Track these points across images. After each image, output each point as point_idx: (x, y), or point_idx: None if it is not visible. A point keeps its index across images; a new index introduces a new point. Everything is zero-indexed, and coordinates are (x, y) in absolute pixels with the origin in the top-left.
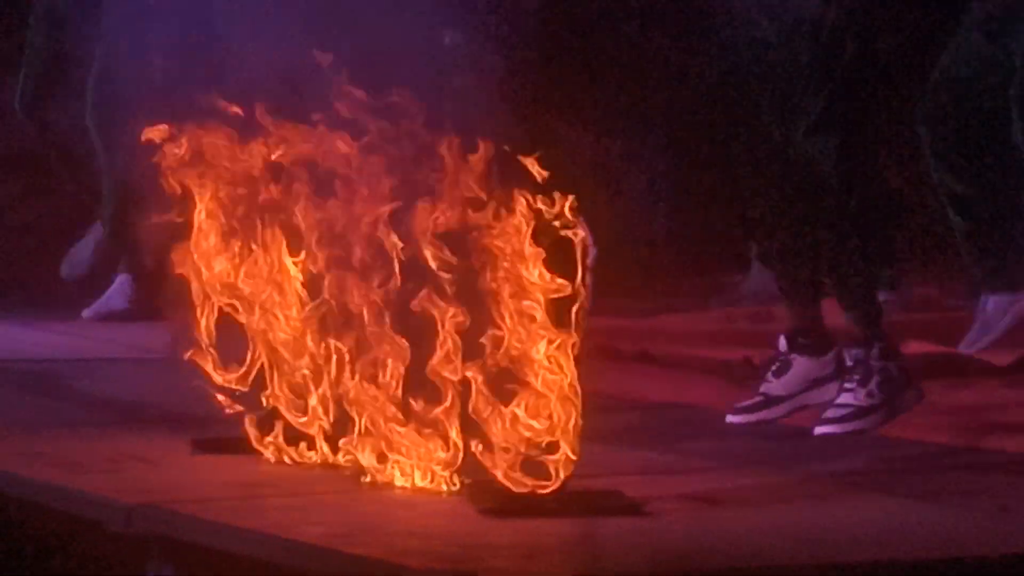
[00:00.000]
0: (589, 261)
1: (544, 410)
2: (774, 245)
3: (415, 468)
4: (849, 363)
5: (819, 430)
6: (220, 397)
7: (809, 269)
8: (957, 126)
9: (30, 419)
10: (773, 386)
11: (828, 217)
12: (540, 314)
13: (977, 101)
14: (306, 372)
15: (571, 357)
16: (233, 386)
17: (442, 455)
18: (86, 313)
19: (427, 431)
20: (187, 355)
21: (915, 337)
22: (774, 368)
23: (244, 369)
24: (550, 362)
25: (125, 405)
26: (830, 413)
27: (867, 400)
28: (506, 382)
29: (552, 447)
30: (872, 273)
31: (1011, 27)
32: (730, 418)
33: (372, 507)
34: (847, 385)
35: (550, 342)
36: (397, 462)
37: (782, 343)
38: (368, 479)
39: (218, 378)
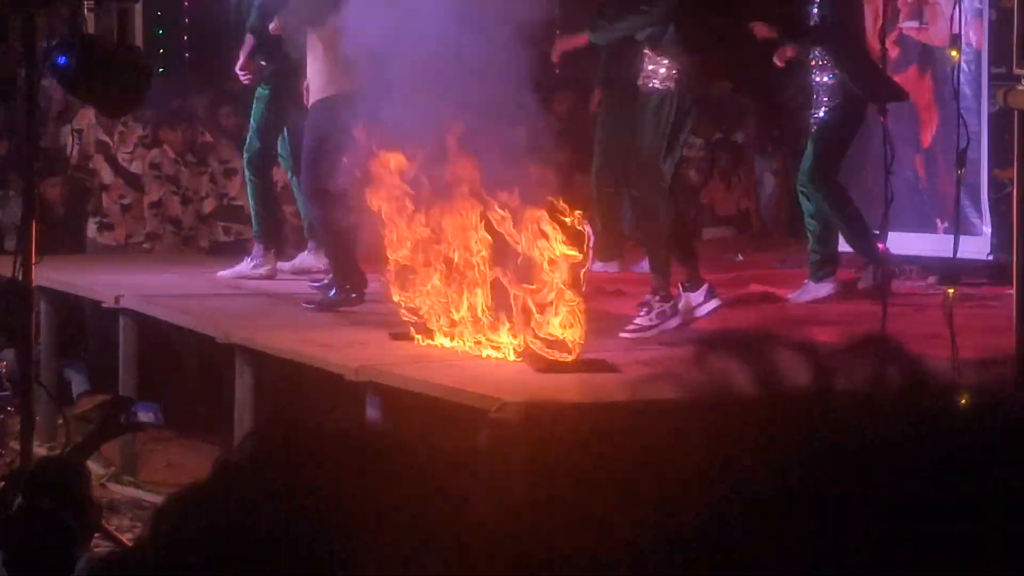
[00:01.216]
0: (590, 243)
1: (567, 317)
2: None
3: (498, 347)
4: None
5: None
6: (404, 311)
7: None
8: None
9: (306, 323)
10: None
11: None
12: (563, 275)
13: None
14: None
15: (580, 289)
16: (405, 304)
17: (512, 340)
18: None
19: (504, 327)
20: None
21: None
22: (673, 304)
23: (409, 297)
24: (568, 292)
25: (357, 315)
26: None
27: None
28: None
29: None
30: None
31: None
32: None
33: (480, 367)
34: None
35: (566, 283)
36: (489, 344)
37: (679, 289)
38: (474, 352)
39: (398, 301)
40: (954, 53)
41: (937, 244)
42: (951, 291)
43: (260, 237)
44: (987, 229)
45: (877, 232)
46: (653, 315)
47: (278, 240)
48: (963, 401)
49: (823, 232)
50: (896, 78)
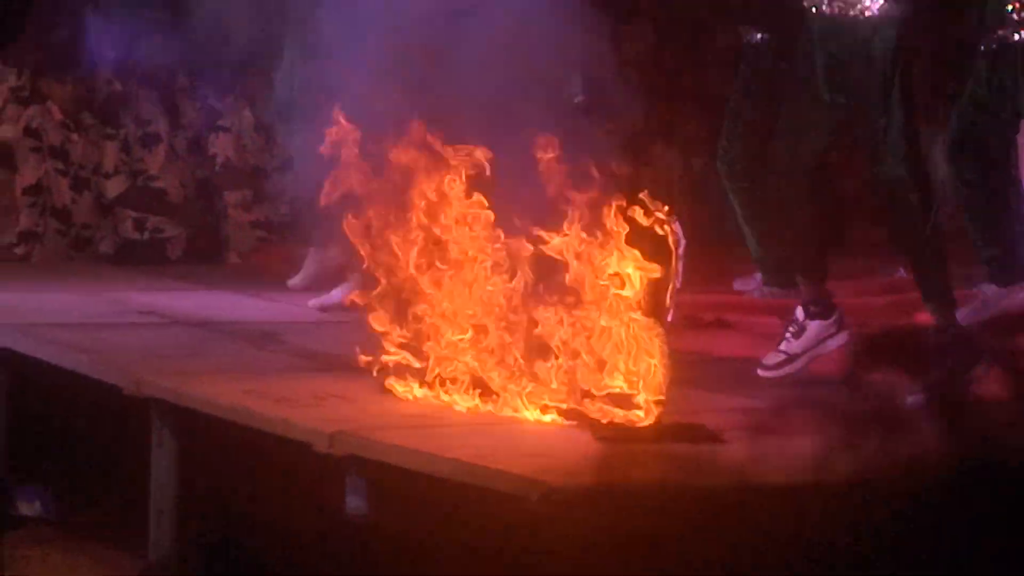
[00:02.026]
0: (680, 250)
1: (637, 364)
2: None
3: (544, 408)
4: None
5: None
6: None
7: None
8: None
9: (254, 366)
10: (792, 345)
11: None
12: (632, 294)
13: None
14: (463, 338)
15: (658, 328)
16: (402, 344)
17: (555, 397)
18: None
19: (549, 381)
20: (371, 320)
21: None
22: (792, 331)
23: (410, 336)
24: (641, 331)
25: (326, 356)
26: None
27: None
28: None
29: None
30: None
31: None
32: (761, 373)
33: (512, 435)
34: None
35: (640, 317)
36: (528, 402)
37: (799, 312)
38: (502, 412)
39: (392, 339)
40: None
41: None
42: None
43: None
44: None
45: None
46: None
47: None
48: None
49: None
50: None
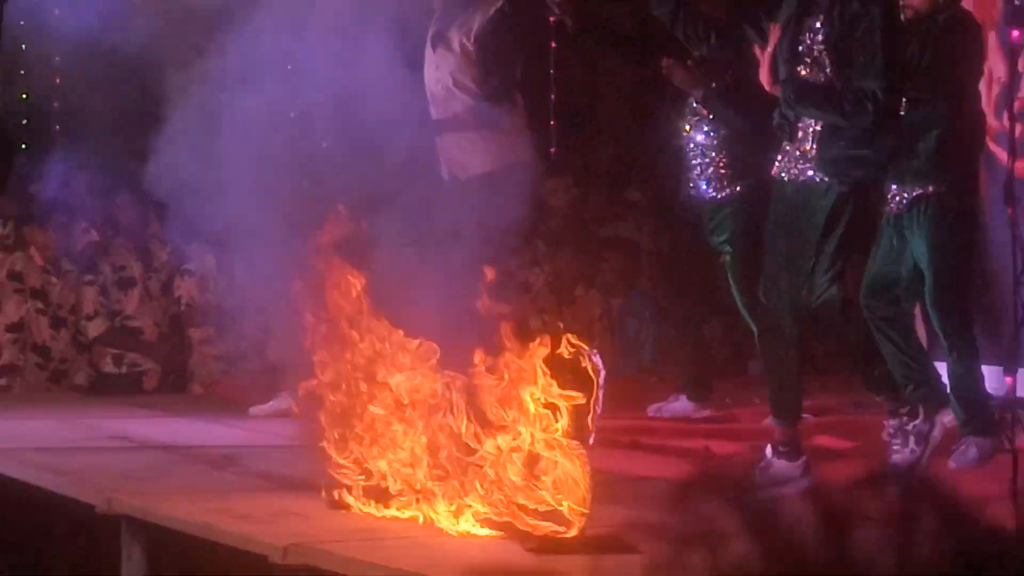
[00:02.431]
0: (600, 380)
1: (562, 482)
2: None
3: (480, 521)
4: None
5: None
6: (342, 472)
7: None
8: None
9: (216, 486)
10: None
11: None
12: (563, 421)
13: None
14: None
15: (581, 449)
16: (349, 464)
17: (488, 511)
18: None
19: (482, 496)
20: (320, 445)
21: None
22: (760, 466)
23: (356, 456)
24: (565, 452)
25: (281, 476)
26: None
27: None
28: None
29: (570, 505)
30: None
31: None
32: None
33: (450, 546)
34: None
35: (565, 440)
36: (461, 515)
37: (768, 450)
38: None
39: (340, 460)
40: None
41: None
42: None
43: None
44: None
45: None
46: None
47: None
48: None
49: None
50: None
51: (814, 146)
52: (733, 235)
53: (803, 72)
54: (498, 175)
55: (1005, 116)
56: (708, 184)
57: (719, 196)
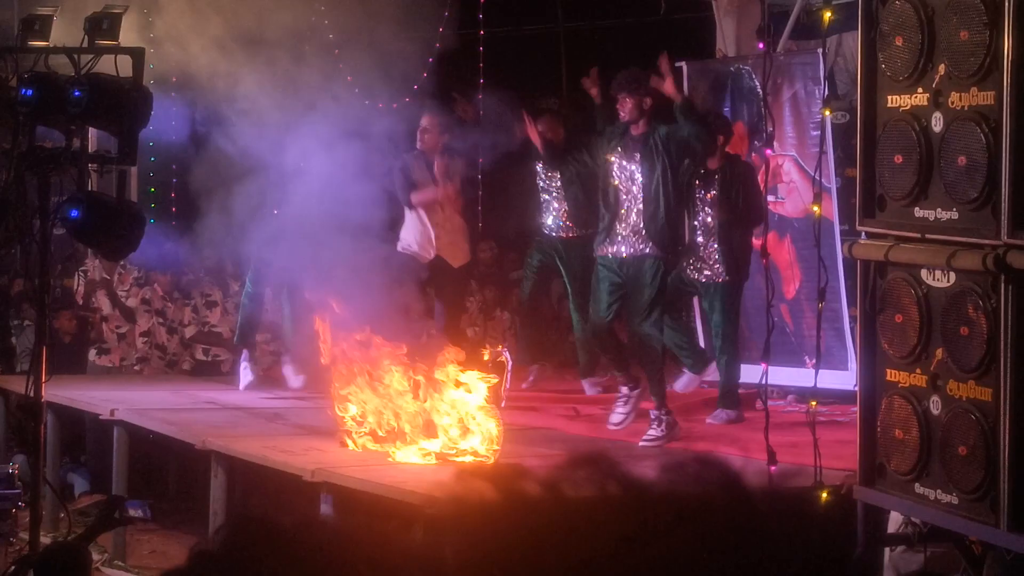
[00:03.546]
0: (508, 368)
1: (484, 427)
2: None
3: (425, 455)
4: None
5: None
6: (348, 423)
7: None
8: None
9: (269, 432)
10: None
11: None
12: (484, 393)
13: None
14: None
15: (496, 409)
16: (351, 418)
17: (438, 447)
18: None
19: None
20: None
21: None
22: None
23: (354, 414)
24: (485, 411)
25: (310, 426)
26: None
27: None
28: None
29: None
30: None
31: None
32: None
33: (411, 470)
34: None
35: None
36: (418, 451)
37: (624, 389)
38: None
39: (345, 416)
40: (816, 208)
41: (806, 377)
42: (813, 403)
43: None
44: (853, 364)
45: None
46: (663, 427)
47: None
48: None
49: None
50: (758, 241)
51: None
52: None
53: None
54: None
55: None
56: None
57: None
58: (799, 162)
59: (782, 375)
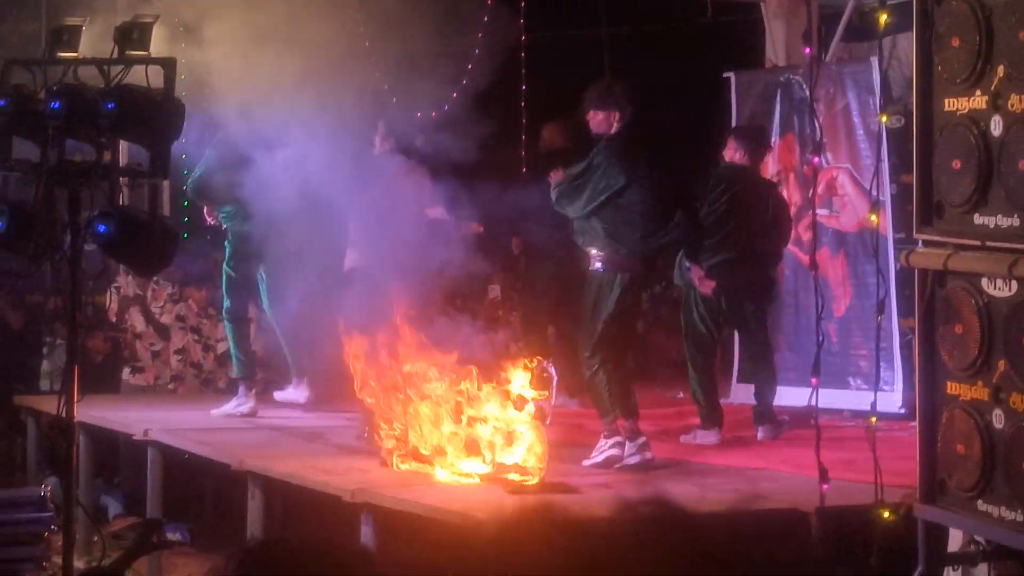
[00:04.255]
0: (554, 383)
1: (530, 447)
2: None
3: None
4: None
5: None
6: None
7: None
8: None
9: (308, 452)
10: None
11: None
12: (530, 407)
13: None
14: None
15: (541, 426)
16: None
17: (481, 465)
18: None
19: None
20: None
21: None
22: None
23: (397, 434)
24: (531, 427)
25: (349, 446)
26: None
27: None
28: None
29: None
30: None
31: None
32: (585, 463)
33: (456, 490)
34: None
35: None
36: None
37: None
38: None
39: (386, 435)
40: (873, 217)
41: (851, 399)
42: (873, 419)
43: (243, 378)
44: (899, 386)
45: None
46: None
47: (255, 379)
48: None
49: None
50: (807, 257)
51: None
52: None
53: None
54: None
55: (801, 224)
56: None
57: None
58: (853, 174)
59: (826, 398)
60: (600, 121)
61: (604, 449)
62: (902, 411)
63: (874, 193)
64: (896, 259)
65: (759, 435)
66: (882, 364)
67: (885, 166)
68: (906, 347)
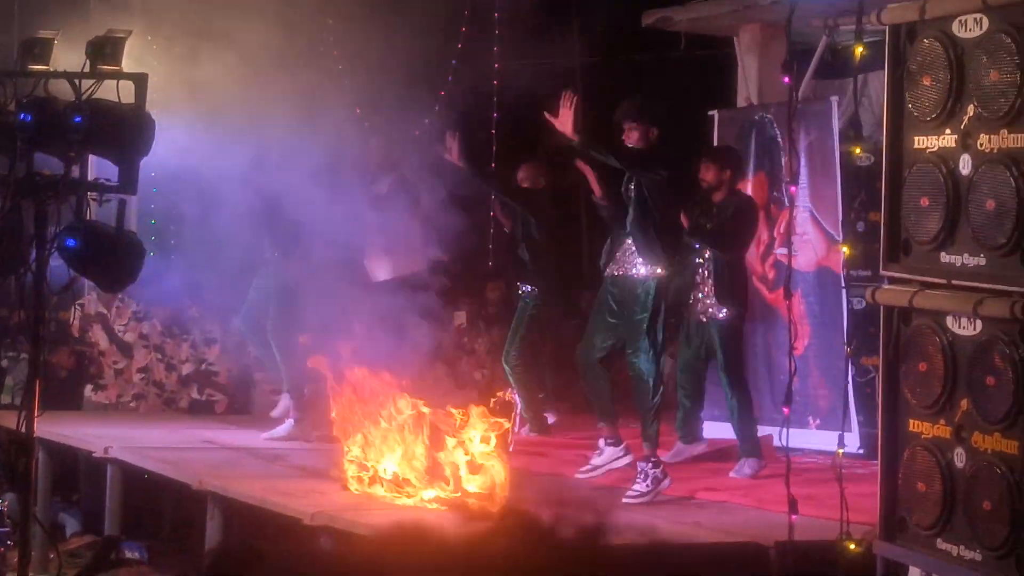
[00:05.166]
0: (517, 410)
1: (492, 475)
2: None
3: (432, 500)
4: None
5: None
6: (349, 467)
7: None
8: None
9: (269, 474)
10: (596, 461)
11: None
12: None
13: None
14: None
15: (504, 455)
16: (353, 461)
17: (443, 493)
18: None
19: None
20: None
21: None
22: (596, 453)
23: (357, 457)
24: (493, 457)
25: (311, 468)
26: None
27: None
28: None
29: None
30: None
31: None
32: (578, 475)
33: (415, 514)
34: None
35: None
36: (426, 496)
37: (601, 442)
38: (417, 504)
39: (347, 459)
40: (845, 248)
41: (811, 439)
42: (839, 451)
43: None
44: (856, 427)
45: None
46: (649, 482)
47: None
48: None
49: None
50: (772, 295)
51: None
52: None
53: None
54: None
55: (767, 263)
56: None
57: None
58: (814, 213)
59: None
60: (637, 137)
61: (648, 472)
62: (860, 451)
63: (838, 226)
64: (849, 298)
65: (732, 474)
66: (838, 403)
67: (839, 207)
68: (868, 384)
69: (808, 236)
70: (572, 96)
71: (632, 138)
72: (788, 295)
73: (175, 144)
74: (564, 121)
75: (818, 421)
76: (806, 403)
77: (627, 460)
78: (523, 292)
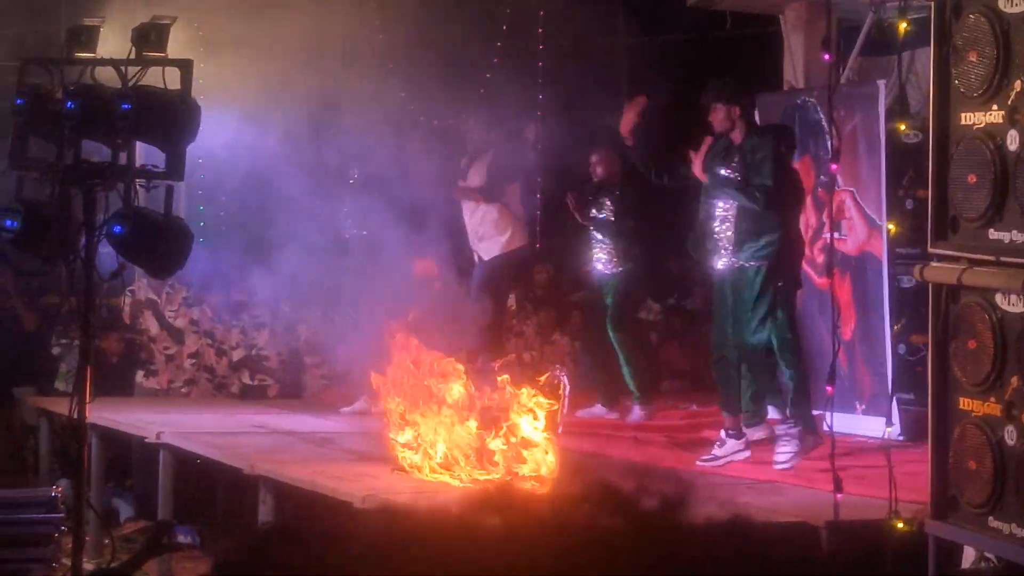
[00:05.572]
0: (566, 392)
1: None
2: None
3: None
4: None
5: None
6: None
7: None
8: None
9: (319, 457)
10: (718, 451)
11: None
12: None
13: None
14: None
15: (553, 435)
16: (404, 444)
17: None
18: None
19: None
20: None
21: None
22: (718, 443)
23: (407, 440)
24: (542, 436)
25: (361, 452)
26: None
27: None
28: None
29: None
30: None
31: None
32: (698, 463)
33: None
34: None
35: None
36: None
37: (723, 432)
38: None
39: (398, 442)
40: (891, 226)
41: (857, 424)
42: (888, 428)
43: None
44: (896, 413)
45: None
46: (725, 448)
47: None
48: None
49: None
50: (820, 279)
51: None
52: (614, 298)
53: (724, 171)
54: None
55: (816, 246)
56: (603, 264)
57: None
58: (856, 197)
59: (835, 422)
60: (723, 117)
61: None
62: (900, 438)
63: (881, 211)
64: (891, 281)
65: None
66: (880, 389)
67: (883, 190)
68: (919, 363)
69: (853, 220)
70: (642, 100)
71: (717, 118)
72: (830, 272)
73: (225, 133)
74: (626, 122)
75: (863, 407)
76: (853, 389)
77: (747, 454)
78: (611, 273)
